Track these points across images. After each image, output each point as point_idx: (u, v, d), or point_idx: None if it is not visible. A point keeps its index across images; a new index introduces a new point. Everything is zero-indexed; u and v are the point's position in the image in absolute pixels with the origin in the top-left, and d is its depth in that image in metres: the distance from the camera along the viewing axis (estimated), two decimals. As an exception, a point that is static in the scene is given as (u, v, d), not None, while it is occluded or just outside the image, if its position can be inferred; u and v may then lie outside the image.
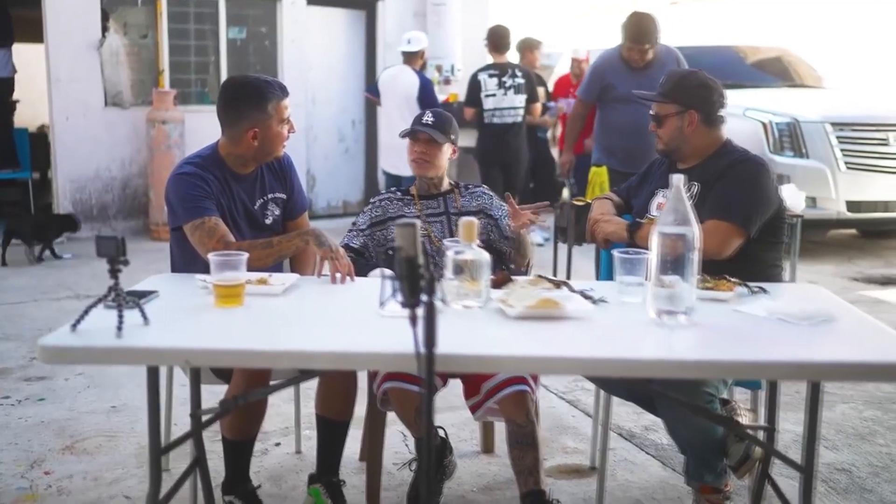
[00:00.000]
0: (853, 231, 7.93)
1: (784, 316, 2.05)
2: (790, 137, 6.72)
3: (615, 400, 3.46)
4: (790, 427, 3.39)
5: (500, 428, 3.09)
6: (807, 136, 6.69)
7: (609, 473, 2.99)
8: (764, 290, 2.31)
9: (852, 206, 6.74)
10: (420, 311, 1.64)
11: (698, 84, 2.73)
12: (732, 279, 2.32)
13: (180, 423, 3.03)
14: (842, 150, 6.69)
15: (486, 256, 2.12)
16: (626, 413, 3.50)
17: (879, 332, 2.00)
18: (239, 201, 2.68)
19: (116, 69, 7.78)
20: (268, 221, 2.74)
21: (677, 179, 2.00)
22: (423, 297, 1.64)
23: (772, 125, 6.74)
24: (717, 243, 2.46)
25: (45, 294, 5.54)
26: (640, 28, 4.83)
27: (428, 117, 2.90)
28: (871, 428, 3.43)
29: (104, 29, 7.67)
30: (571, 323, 2.02)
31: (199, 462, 2.39)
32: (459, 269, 2.10)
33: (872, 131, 6.77)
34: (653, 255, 2.00)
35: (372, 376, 2.61)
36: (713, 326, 2.01)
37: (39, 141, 9.02)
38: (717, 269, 2.40)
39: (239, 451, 2.61)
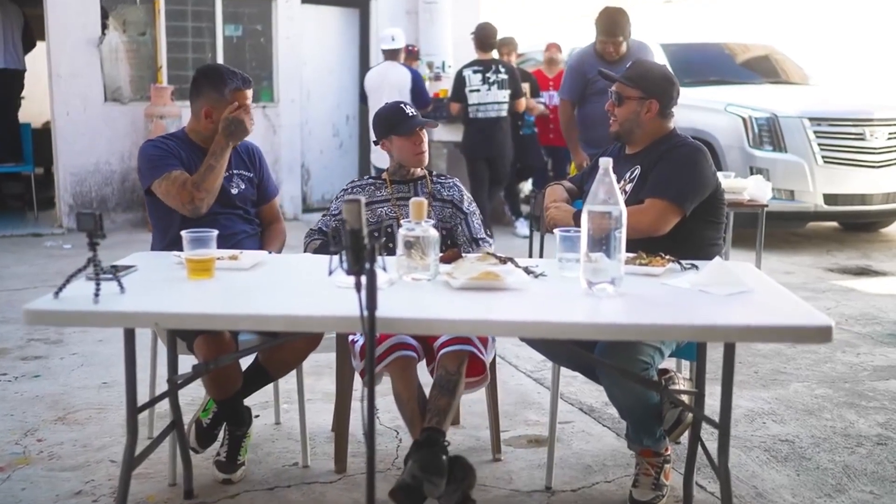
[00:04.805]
0: (834, 224, 8.10)
1: (705, 287, 2.25)
2: (769, 132, 6.90)
3: (581, 378, 3.66)
4: (743, 403, 3.59)
5: (466, 400, 3.30)
6: (785, 130, 6.88)
7: (565, 443, 3.19)
8: (695, 267, 2.50)
9: (829, 199, 6.93)
10: (363, 278, 1.84)
11: (663, 77, 2.90)
12: (666, 256, 2.52)
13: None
14: (819, 144, 6.87)
15: (434, 233, 2.31)
16: (589, 390, 3.69)
17: (789, 301, 2.19)
18: None
19: (116, 65, 8.00)
20: (234, 191, 2.99)
21: (605, 162, 2.20)
22: (366, 265, 1.84)
23: (751, 120, 6.93)
24: (653, 219, 2.66)
25: (44, 282, 5.75)
26: (612, 21, 5.02)
27: (413, 109, 3.08)
28: (820, 404, 3.62)
29: (104, 26, 7.89)
30: (510, 293, 2.22)
31: (176, 424, 2.60)
32: (409, 244, 2.30)
33: (849, 126, 6.95)
34: (583, 232, 2.19)
35: (360, 354, 2.76)
36: (639, 296, 2.21)
37: (44, 136, 9.26)
38: (658, 246, 2.60)
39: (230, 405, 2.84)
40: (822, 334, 1.95)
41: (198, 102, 2.94)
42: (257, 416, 3.44)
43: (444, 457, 2.44)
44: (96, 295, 2.05)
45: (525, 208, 8.49)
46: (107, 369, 3.97)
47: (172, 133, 3.07)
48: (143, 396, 2.50)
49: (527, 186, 9.09)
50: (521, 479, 2.90)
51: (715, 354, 2.74)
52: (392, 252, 2.45)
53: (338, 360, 2.94)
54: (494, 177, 7.09)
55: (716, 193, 2.78)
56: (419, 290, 2.23)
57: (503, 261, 2.47)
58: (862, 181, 6.96)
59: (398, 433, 3.22)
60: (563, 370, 2.91)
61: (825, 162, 6.87)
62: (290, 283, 2.36)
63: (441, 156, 8.08)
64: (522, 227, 7.91)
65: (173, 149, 2.90)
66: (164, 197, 2.84)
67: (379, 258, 1.85)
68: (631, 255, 2.46)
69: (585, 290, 2.20)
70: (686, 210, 2.69)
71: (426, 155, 3.08)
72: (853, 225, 7.97)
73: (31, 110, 9.78)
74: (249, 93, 2.95)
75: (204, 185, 2.83)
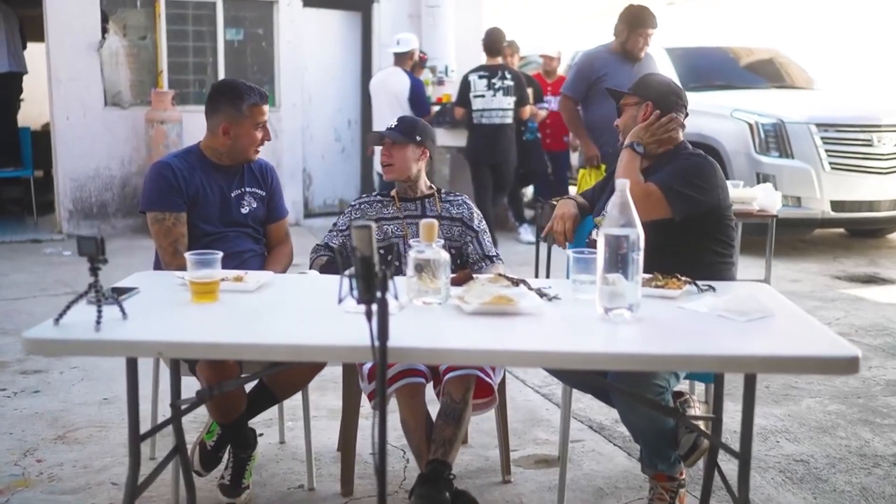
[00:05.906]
0: (841, 230, 8.03)
1: (724, 312, 2.18)
2: (776, 138, 6.84)
3: (590, 395, 3.58)
4: (756, 420, 3.49)
5: (474, 418, 3.22)
6: (792, 136, 6.82)
7: (576, 463, 3.13)
8: (712, 289, 2.44)
9: (837, 205, 6.86)
10: (374, 307, 1.77)
11: (660, 82, 2.88)
12: (683, 278, 2.45)
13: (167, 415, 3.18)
14: (826, 150, 6.81)
15: (445, 256, 2.24)
16: (598, 406, 3.63)
17: (812, 328, 2.12)
18: (216, 185, 2.89)
19: (116, 70, 7.93)
20: (244, 210, 2.93)
21: (621, 184, 2.13)
22: (378, 294, 1.78)
23: (758, 126, 6.87)
24: (638, 197, 2.40)
25: (44, 291, 5.69)
26: (646, 14, 5.06)
27: (393, 122, 3.03)
28: (834, 421, 3.55)
29: (104, 30, 7.82)
30: (523, 318, 2.15)
31: (180, 449, 2.53)
32: (420, 267, 2.23)
33: (857, 132, 6.89)
34: (599, 254, 2.13)
35: (368, 377, 2.69)
36: (656, 322, 2.14)
37: (44, 139, 9.20)
38: (669, 267, 2.53)
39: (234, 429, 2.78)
40: (848, 366, 1.88)
41: (215, 119, 2.87)
42: (261, 435, 3.37)
43: (448, 492, 2.37)
44: (98, 322, 1.98)
45: (529, 213, 8.43)
46: (108, 384, 3.91)
47: (187, 149, 2.99)
48: (144, 414, 2.42)
49: (528, 191, 9.03)
50: (531, 502, 2.84)
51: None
52: (399, 272, 2.38)
53: (344, 380, 2.88)
54: (498, 183, 7.02)
55: (722, 210, 2.70)
56: (430, 316, 2.16)
57: (515, 283, 2.40)
58: (869, 187, 6.90)
59: (405, 452, 3.15)
60: (573, 387, 2.85)
61: (832, 168, 6.80)
62: (297, 308, 2.29)
63: (444, 161, 8.01)
64: (526, 232, 7.84)
65: (185, 176, 2.82)
66: (153, 234, 2.84)
67: (390, 283, 1.79)
68: (647, 276, 2.39)
69: (601, 316, 2.13)
70: (673, 208, 2.61)
71: (394, 168, 2.97)
72: (860, 231, 7.91)
73: (31, 112, 9.72)
74: (266, 108, 2.90)
75: (176, 259, 2.77)
